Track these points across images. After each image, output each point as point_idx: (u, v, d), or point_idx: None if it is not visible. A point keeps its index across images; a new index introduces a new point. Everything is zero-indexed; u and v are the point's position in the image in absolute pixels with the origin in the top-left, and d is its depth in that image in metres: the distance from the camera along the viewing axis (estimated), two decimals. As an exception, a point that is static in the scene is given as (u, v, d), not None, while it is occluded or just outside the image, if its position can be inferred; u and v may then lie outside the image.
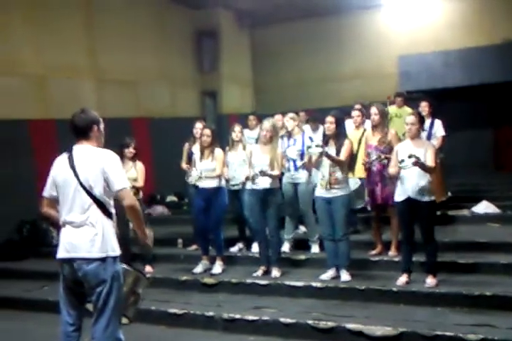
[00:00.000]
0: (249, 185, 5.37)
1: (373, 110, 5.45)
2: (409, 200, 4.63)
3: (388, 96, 8.50)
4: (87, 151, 3.30)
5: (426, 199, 4.61)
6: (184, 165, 6.13)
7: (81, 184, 3.19)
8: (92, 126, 3.32)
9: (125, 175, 3.35)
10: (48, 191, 3.34)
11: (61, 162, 3.33)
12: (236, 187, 5.94)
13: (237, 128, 6.09)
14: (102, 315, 3.20)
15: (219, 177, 5.52)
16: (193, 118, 7.54)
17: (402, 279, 4.69)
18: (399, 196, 4.72)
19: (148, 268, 5.76)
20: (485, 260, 5.03)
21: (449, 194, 6.81)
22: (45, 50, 7.95)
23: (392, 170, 4.78)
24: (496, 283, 4.57)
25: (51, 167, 3.39)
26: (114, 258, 3.23)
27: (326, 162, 4.95)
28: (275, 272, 5.26)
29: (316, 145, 4.82)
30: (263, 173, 5.05)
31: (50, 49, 8.01)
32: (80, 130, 3.31)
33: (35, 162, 7.47)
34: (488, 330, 3.79)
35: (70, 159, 3.27)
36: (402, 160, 4.50)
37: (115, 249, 3.24)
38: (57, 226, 3.36)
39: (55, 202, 3.34)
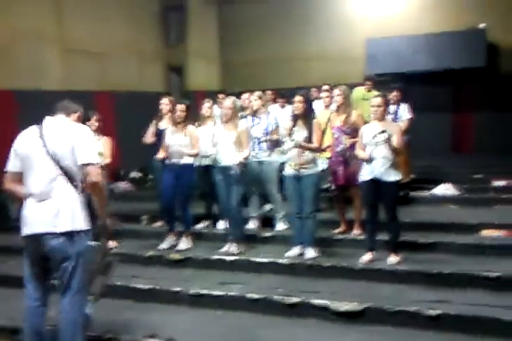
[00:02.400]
0: (217, 163, 5.38)
1: (336, 91, 5.52)
2: (374, 180, 4.73)
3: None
4: (60, 123, 3.23)
5: (391, 179, 4.72)
6: (161, 153, 5.65)
7: (49, 154, 3.12)
8: (76, 111, 3.40)
9: (96, 150, 3.29)
10: (11, 165, 3.26)
11: (28, 134, 3.24)
12: (205, 163, 5.92)
13: (207, 103, 6.08)
14: (69, 289, 3.19)
15: (196, 155, 5.51)
16: (158, 94, 7.43)
17: (366, 257, 4.82)
18: (364, 176, 4.82)
19: (111, 244, 5.70)
20: (443, 240, 5.21)
21: (412, 175, 7.01)
22: (7, 14, 7.58)
23: (361, 153, 4.85)
24: (453, 261, 4.76)
25: (10, 139, 3.31)
26: (82, 232, 3.19)
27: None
28: (234, 248, 5.30)
29: (381, 132, 4.66)
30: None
31: (13, 12, 7.64)
32: (64, 108, 3.34)
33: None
34: (445, 306, 3.96)
35: (40, 130, 3.20)
36: (375, 136, 4.59)
37: (83, 223, 3.20)
38: (21, 201, 3.28)
39: (18, 176, 3.25)
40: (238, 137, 5.28)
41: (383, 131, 4.58)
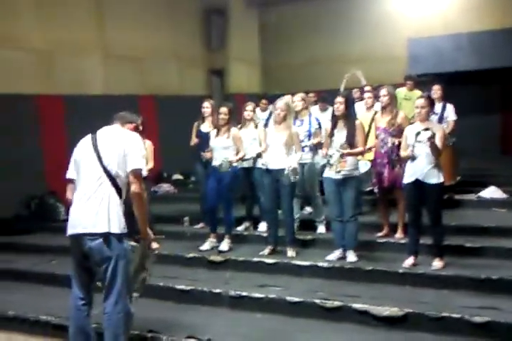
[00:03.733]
0: (260, 164, 5.37)
1: (383, 92, 5.42)
2: (417, 182, 4.62)
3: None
4: (113, 131, 3.37)
5: (434, 181, 4.60)
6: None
7: (98, 159, 3.24)
8: (132, 122, 3.61)
9: (144, 158, 3.39)
10: (70, 173, 3.42)
11: (84, 142, 3.40)
12: (246, 165, 5.93)
13: (249, 106, 6.10)
14: (111, 291, 3.26)
15: (242, 158, 5.54)
16: (199, 97, 7.51)
17: (409, 261, 4.71)
18: (407, 178, 4.72)
19: (154, 245, 5.78)
20: (491, 244, 5.05)
21: (458, 178, 6.81)
22: (52, 26, 7.88)
23: (403, 153, 4.76)
24: (501, 266, 4.60)
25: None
26: (119, 235, 3.25)
27: (335, 143, 4.94)
28: (290, 252, 5.26)
29: (425, 130, 4.53)
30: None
31: (57, 24, 7.94)
32: (121, 118, 3.51)
33: (43, 138, 7.47)
34: (493, 313, 3.82)
35: (93, 138, 3.35)
36: (418, 133, 4.49)
37: (121, 227, 3.26)
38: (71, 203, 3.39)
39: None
40: (289, 139, 5.21)
41: (427, 129, 4.46)
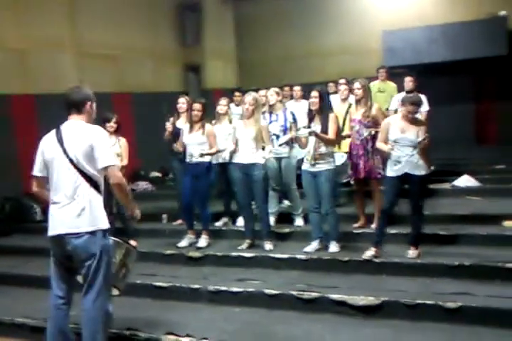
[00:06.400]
0: (234, 160, 5.38)
1: (356, 85, 5.45)
2: (403, 175, 4.65)
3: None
4: (76, 127, 3.29)
5: (421, 173, 4.65)
6: (179, 146, 5.74)
7: (70, 160, 3.19)
8: (85, 102, 3.35)
9: (112, 152, 3.34)
10: (37, 170, 3.34)
11: (49, 138, 3.31)
12: (222, 161, 5.94)
13: (223, 101, 6.08)
14: (92, 287, 3.24)
15: (216, 153, 5.56)
16: (176, 93, 7.46)
17: (370, 252, 4.73)
18: (393, 171, 4.72)
19: (132, 242, 5.76)
20: (465, 232, 5.13)
21: (432, 168, 6.89)
22: (25, 23, 7.75)
23: (382, 145, 4.77)
24: (474, 253, 4.67)
25: (32, 143, 3.38)
26: (104, 231, 3.25)
27: (311, 137, 4.97)
28: (268, 245, 5.30)
29: (304, 127, 4.90)
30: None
31: (30, 22, 7.80)
32: (73, 104, 3.33)
33: (16, 138, 7.37)
34: (466, 298, 3.90)
35: (58, 135, 3.26)
36: (407, 139, 4.59)
37: (104, 223, 3.26)
38: (47, 203, 3.36)
39: (44, 180, 3.34)
40: (259, 133, 5.24)
41: (420, 138, 4.55)
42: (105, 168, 3.19)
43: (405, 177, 4.66)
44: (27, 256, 5.90)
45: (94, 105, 3.40)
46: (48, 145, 3.29)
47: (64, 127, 3.31)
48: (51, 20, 8.11)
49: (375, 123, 5.35)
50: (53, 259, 3.34)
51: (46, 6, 8.02)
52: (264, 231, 5.37)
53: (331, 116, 5.03)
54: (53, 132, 3.31)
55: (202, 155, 5.39)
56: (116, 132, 5.80)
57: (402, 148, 4.64)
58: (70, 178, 3.19)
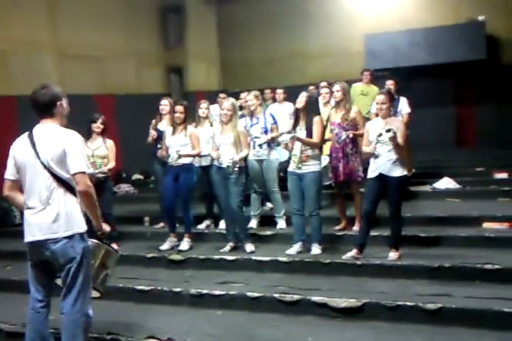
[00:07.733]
0: (216, 163, 5.39)
1: (336, 87, 5.49)
2: (380, 176, 4.69)
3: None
4: (49, 130, 3.18)
5: (397, 174, 4.68)
6: (163, 152, 5.69)
7: (43, 164, 3.11)
8: (55, 103, 3.18)
9: (84, 158, 3.22)
10: (9, 173, 3.25)
11: (21, 142, 3.22)
12: (204, 163, 5.92)
13: (203, 104, 6.08)
14: (71, 290, 3.19)
15: (198, 155, 5.55)
16: (158, 95, 7.44)
17: (351, 253, 4.77)
18: (371, 173, 4.76)
19: (114, 246, 5.71)
20: (446, 233, 5.18)
21: (413, 170, 6.97)
22: (5, 25, 7.67)
23: (366, 148, 4.81)
24: (455, 255, 4.72)
25: (11, 146, 3.29)
26: (81, 234, 3.20)
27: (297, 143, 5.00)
28: (249, 247, 5.30)
29: (287, 132, 4.97)
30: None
31: (10, 24, 7.73)
32: (42, 107, 3.18)
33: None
34: (446, 300, 3.93)
35: (31, 139, 3.16)
36: (380, 134, 4.56)
37: (81, 225, 3.20)
38: (22, 207, 3.28)
39: (18, 183, 3.25)
40: (237, 138, 5.27)
41: (389, 130, 4.53)
42: (74, 174, 3.10)
43: (383, 179, 4.69)
44: (6, 260, 5.82)
45: (65, 103, 3.24)
46: (20, 149, 3.20)
47: (36, 130, 3.20)
48: (32, 22, 8.06)
49: (353, 126, 5.39)
50: (31, 263, 3.29)
51: (27, 7, 7.96)
52: (242, 233, 5.38)
53: (316, 119, 5.06)
54: (25, 135, 3.21)
55: (180, 156, 5.37)
56: (103, 133, 5.75)
57: (379, 147, 4.67)
58: (43, 182, 3.12)
